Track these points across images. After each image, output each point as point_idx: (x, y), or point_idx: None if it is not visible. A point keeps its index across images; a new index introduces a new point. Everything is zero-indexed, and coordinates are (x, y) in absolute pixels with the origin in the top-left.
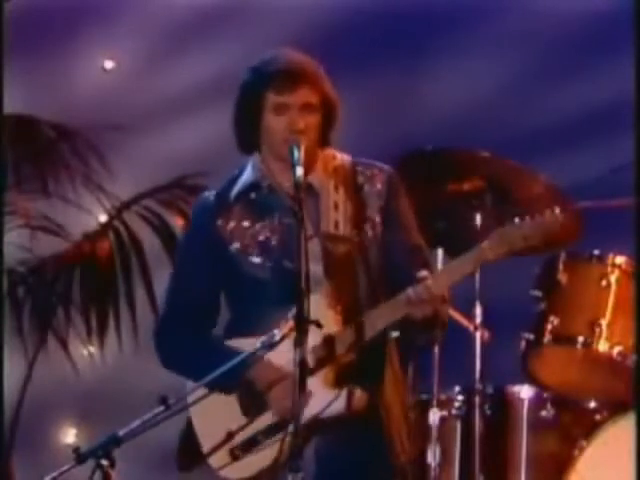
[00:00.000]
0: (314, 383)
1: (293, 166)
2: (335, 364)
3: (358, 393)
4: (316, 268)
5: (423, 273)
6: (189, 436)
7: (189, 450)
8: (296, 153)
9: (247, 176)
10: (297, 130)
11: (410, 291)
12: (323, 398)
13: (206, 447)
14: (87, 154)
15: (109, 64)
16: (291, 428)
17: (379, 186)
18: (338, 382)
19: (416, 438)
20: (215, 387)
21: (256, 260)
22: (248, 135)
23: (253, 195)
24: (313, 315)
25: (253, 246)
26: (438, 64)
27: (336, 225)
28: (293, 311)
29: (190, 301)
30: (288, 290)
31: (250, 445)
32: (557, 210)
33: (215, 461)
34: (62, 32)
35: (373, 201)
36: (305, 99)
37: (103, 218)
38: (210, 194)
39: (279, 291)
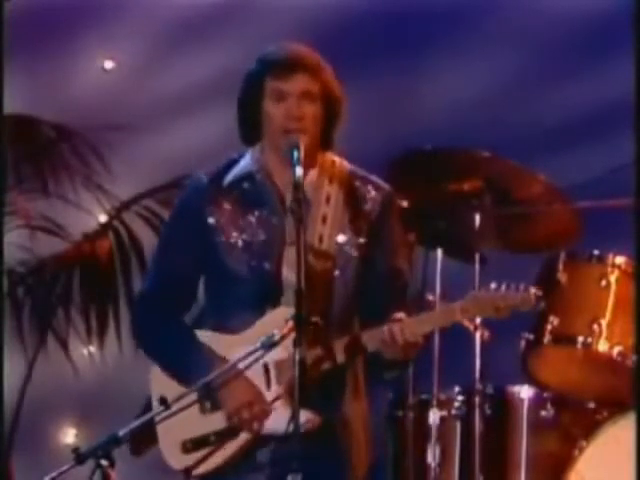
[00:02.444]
0: (273, 397)
1: (293, 166)
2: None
3: (310, 418)
4: (291, 276)
5: (398, 315)
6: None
7: (143, 434)
8: (296, 154)
9: (244, 165)
10: (294, 117)
11: (385, 330)
12: (281, 417)
13: (161, 434)
14: (87, 154)
15: (109, 64)
16: (244, 435)
17: (372, 205)
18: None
19: (373, 450)
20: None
21: (238, 255)
22: (250, 125)
23: (246, 185)
24: (278, 326)
25: (237, 240)
26: (438, 64)
27: (320, 239)
28: (289, 311)
29: (170, 281)
30: (264, 291)
31: (202, 443)
32: (532, 290)
33: (166, 449)
34: (62, 32)
35: (363, 219)
36: (304, 86)
37: (103, 218)
38: (204, 177)
39: (255, 290)
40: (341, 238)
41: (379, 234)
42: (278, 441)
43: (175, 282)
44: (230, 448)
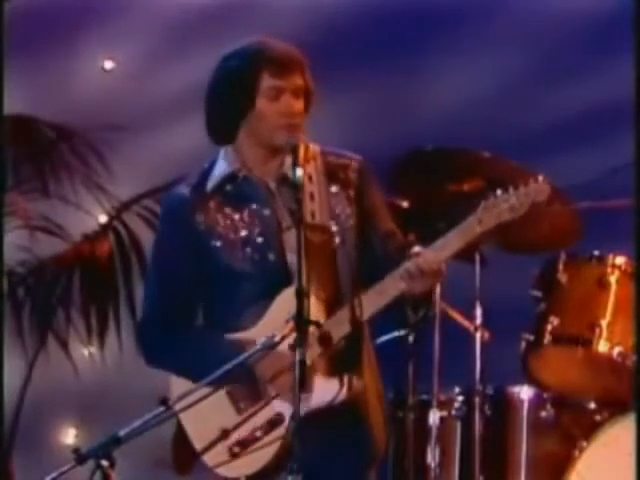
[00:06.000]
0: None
1: (293, 167)
2: (325, 353)
3: (355, 379)
4: (295, 259)
5: (416, 249)
6: (182, 439)
7: (184, 453)
8: (295, 157)
9: (222, 168)
10: (292, 113)
11: (409, 264)
12: (324, 387)
13: (200, 445)
14: (87, 154)
15: (109, 64)
16: (288, 423)
17: (351, 175)
18: (330, 371)
19: (387, 428)
20: (217, 382)
21: (239, 253)
22: (229, 124)
23: (229, 187)
24: (290, 306)
25: (233, 240)
26: (438, 64)
27: (313, 215)
28: (292, 311)
29: (175, 298)
30: (270, 283)
31: (249, 442)
32: (540, 178)
33: (213, 461)
34: (62, 32)
35: (346, 190)
36: (297, 83)
37: (103, 219)
38: (185, 188)
39: (264, 283)
40: (331, 211)
41: (364, 202)
42: (326, 413)
43: (179, 296)
44: (280, 432)
